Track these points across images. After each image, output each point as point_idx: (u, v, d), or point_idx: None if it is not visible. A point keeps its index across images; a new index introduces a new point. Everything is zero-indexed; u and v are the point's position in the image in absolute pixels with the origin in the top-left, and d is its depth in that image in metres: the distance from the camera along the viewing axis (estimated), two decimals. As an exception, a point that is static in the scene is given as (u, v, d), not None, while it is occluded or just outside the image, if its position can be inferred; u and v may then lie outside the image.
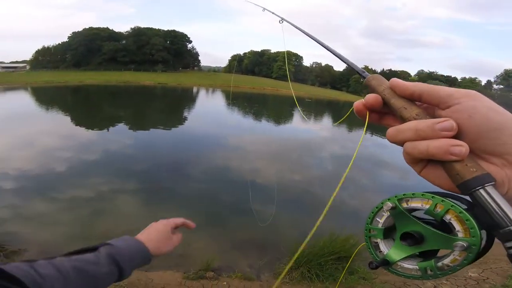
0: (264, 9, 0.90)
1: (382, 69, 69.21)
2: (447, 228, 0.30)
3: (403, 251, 0.33)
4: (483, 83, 58.07)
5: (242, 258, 3.78)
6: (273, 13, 0.83)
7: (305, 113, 23.53)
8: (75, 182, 5.66)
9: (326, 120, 22.96)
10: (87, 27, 55.71)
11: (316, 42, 0.57)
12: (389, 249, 0.35)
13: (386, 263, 0.34)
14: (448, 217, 0.30)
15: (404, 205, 0.33)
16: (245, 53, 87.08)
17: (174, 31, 61.64)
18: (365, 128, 0.39)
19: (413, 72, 69.03)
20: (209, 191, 6.00)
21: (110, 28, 57.58)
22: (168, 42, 59.38)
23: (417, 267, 0.33)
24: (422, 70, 67.08)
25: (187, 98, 29.28)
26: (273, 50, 79.42)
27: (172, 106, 21.96)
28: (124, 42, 56.48)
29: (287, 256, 3.62)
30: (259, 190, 6.24)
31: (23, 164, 6.35)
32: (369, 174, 8.85)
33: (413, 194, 0.32)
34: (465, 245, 0.28)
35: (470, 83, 55.98)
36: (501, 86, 54.86)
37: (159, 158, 7.83)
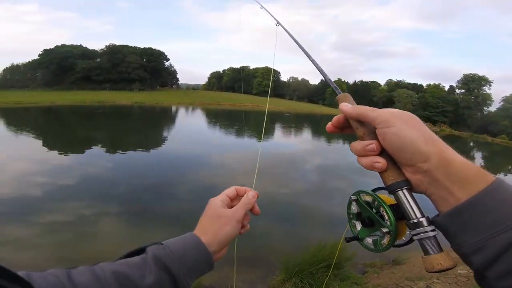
0: (262, 6, 0.86)
1: (354, 80, 72.12)
2: (383, 218, 0.41)
3: (366, 231, 0.45)
4: (446, 88, 61.80)
5: (233, 273, 3.75)
6: (269, 13, 0.81)
7: (286, 128, 24.02)
8: (54, 207, 5.40)
9: (309, 134, 23.55)
10: (59, 44, 53.94)
11: (304, 53, 0.61)
12: (359, 228, 0.46)
13: (357, 239, 0.46)
14: (381, 209, 0.41)
15: (363, 198, 0.45)
16: (224, 70, 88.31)
17: (150, 48, 61.19)
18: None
19: (382, 82, 72.70)
20: (194, 210, 5.90)
21: (84, 46, 56.27)
22: (144, 60, 58.71)
23: (372, 243, 0.44)
24: (391, 79, 70.86)
25: (166, 118, 28.88)
26: (252, 67, 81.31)
27: (151, 127, 21.58)
28: (98, 60, 55.10)
29: (278, 268, 3.64)
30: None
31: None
32: (351, 182, 9.15)
33: (363, 191, 0.45)
34: (384, 230, 0.41)
35: (435, 89, 59.61)
36: (463, 91, 58.71)
37: (141, 180, 7.63)
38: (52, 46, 52.81)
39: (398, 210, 0.39)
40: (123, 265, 0.44)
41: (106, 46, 57.27)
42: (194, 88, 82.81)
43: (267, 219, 5.68)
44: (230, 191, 0.59)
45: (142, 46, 60.41)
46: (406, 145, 0.37)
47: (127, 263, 0.44)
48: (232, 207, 0.57)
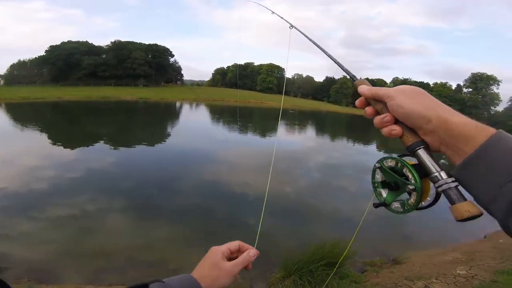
0: (273, 12, 0.88)
1: (360, 78, 70.72)
2: (408, 178, 0.45)
3: (393, 195, 0.49)
4: (453, 87, 60.71)
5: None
6: (282, 17, 0.82)
7: (290, 125, 23.97)
8: (60, 201, 5.50)
9: (312, 132, 23.44)
10: (65, 40, 54.24)
11: (321, 51, 0.68)
12: (386, 195, 0.50)
13: (385, 204, 0.50)
14: (405, 170, 0.46)
15: (386, 164, 0.49)
16: (228, 67, 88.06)
17: (155, 45, 61.25)
18: None
19: (388, 80, 71.65)
20: (198, 206, 5.97)
21: (90, 42, 56.53)
22: (149, 56, 58.80)
23: (399, 205, 0.47)
24: (397, 77, 69.79)
25: (170, 114, 29.01)
26: (256, 63, 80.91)
27: (155, 122, 21.72)
28: (104, 56, 55.28)
29: (278, 265, 3.68)
30: (248, 203, 6.30)
31: (3, 183, 6.10)
32: (355, 181, 9.13)
33: (386, 157, 0.49)
34: (410, 187, 0.45)
35: (442, 88, 58.88)
36: (470, 90, 57.69)
37: (146, 175, 7.72)
38: (58, 43, 53.18)
39: (420, 169, 0.44)
40: None
41: (111, 42, 57.49)
42: (199, 84, 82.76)
43: (268, 216, 5.71)
44: (234, 245, 0.62)
45: (147, 43, 60.48)
46: (409, 113, 0.44)
47: None
48: (231, 258, 0.60)
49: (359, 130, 29.71)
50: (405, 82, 65.77)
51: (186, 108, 34.43)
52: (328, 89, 69.47)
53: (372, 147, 18.25)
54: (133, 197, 6.08)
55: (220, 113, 29.60)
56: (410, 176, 0.45)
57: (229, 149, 12.07)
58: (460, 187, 0.41)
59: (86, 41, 56.42)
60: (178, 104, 37.55)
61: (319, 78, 78.01)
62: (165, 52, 62.34)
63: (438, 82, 61.97)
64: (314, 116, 37.24)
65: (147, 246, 4.22)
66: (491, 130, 0.38)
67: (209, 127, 19.28)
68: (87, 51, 53.50)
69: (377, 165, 0.50)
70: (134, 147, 11.25)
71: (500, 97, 54.81)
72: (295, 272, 3.42)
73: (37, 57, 53.69)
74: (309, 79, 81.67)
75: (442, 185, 0.41)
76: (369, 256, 4.30)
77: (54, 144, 11.05)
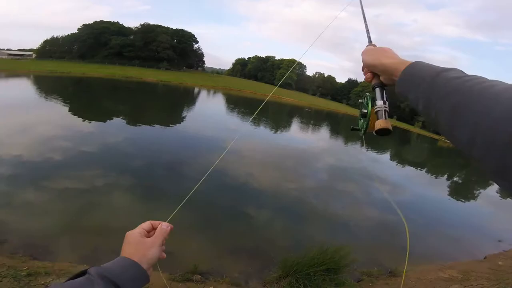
0: None
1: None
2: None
3: (362, 122, 0.68)
4: None
5: (231, 264, 3.79)
6: None
7: (303, 123, 23.59)
8: (69, 173, 5.64)
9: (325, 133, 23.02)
10: (98, 20, 56.09)
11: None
12: (360, 122, 0.70)
13: (357, 129, 0.70)
14: (365, 101, 0.67)
15: (361, 100, 0.71)
16: (249, 58, 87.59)
17: (182, 30, 62.00)
18: None
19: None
20: (205, 194, 5.98)
21: (120, 23, 58.12)
22: (175, 40, 59.65)
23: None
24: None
25: (188, 98, 29.28)
26: (277, 57, 80.00)
27: (173, 105, 21.98)
28: (132, 37, 56.68)
29: (276, 265, 3.63)
30: (253, 196, 6.27)
31: (17, 151, 6.30)
32: (362, 187, 8.90)
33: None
34: (364, 111, 0.66)
35: None
36: None
37: (156, 156, 7.83)
38: (91, 22, 54.87)
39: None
40: (71, 284, 0.47)
41: (140, 24, 58.89)
42: (218, 72, 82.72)
43: (271, 213, 5.66)
44: (146, 225, 0.67)
45: (174, 27, 61.28)
46: (366, 65, 0.67)
47: (74, 283, 0.48)
48: (148, 237, 0.64)
49: (374, 137, 28.82)
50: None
51: (203, 94, 34.63)
52: (349, 92, 67.81)
53: (386, 156, 17.77)
54: (141, 177, 6.16)
55: (235, 104, 29.57)
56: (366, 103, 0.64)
57: (241, 141, 12.03)
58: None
59: (117, 21, 58.04)
60: (196, 89, 37.83)
61: (341, 79, 75.98)
62: (190, 38, 62.81)
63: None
64: (330, 117, 36.53)
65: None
66: (408, 62, 0.55)
67: (223, 116, 19.30)
68: (117, 31, 55.09)
69: (360, 100, 0.70)
70: (150, 126, 11.45)
71: None
72: (292, 274, 3.36)
73: (69, 34, 55.71)
74: (331, 79, 79.97)
75: (377, 108, 0.61)
76: (367, 265, 4.17)
77: (73, 116, 11.41)
